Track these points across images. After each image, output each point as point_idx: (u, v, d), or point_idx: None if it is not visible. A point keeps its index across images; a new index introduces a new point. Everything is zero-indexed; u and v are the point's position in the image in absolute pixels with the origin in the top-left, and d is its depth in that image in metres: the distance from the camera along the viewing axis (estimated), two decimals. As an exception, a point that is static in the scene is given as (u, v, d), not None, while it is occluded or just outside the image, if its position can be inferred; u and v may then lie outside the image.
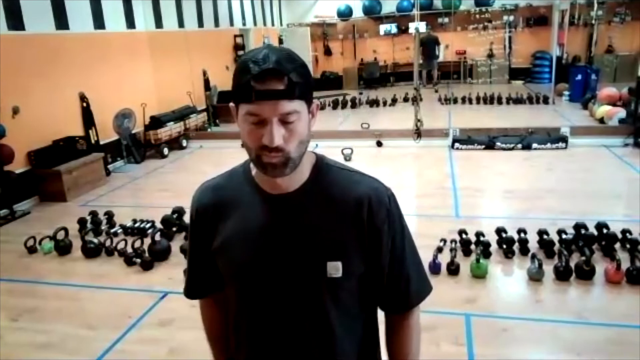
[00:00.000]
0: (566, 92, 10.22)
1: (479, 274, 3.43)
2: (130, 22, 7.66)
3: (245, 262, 1.01)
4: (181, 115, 8.26)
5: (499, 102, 10.20)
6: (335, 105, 11.09)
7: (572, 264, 3.37)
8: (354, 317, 1.06)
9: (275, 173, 0.93)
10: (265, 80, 0.87)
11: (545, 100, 9.89)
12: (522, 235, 3.81)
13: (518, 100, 10.11)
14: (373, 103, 10.92)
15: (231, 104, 0.98)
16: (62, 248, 4.25)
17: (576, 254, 3.61)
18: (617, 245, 3.68)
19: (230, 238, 1.02)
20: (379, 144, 7.46)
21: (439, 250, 3.69)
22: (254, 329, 1.05)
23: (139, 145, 7.56)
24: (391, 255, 1.02)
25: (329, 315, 1.00)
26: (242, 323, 1.07)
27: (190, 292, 1.18)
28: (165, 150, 7.65)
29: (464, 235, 3.91)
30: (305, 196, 0.99)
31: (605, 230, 3.77)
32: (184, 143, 8.13)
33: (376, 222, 0.99)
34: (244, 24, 11.57)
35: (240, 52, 11.25)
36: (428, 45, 12.55)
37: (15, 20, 5.54)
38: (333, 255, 0.97)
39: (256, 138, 0.91)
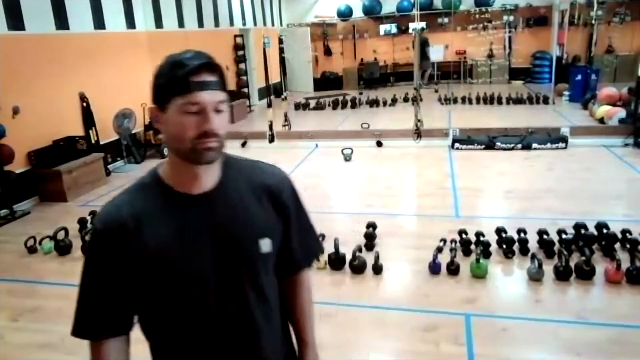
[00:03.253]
0: (566, 92, 10.21)
1: (479, 274, 3.43)
2: (130, 22, 7.66)
3: (184, 260, 1.05)
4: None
5: (499, 102, 10.19)
6: (335, 105, 11.09)
7: (572, 264, 3.37)
8: (273, 284, 1.18)
9: (210, 157, 1.03)
10: (200, 73, 0.98)
11: (545, 100, 9.89)
12: (522, 235, 3.81)
13: (518, 100, 10.11)
14: (373, 103, 10.92)
15: (153, 105, 1.03)
16: (62, 248, 4.25)
17: (576, 254, 3.61)
18: (617, 245, 3.68)
19: (159, 246, 1.03)
20: (379, 144, 7.46)
21: (439, 250, 3.69)
22: (202, 318, 1.08)
23: (139, 145, 7.56)
24: (295, 228, 1.20)
25: (264, 287, 1.13)
26: (178, 323, 1.09)
27: (95, 328, 1.08)
28: (165, 151, 7.63)
29: (464, 235, 3.91)
30: (224, 189, 1.09)
31: (605, 230, 3.77)
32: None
33: (288, 203, 1.17)
34: (244, 24, 11.57)
35: (240, 52, 11.26)
36: (420, 47, 12.53)
37: (15, 20, 5.54)
38: (262, 233, 1.10)
39: (194, 127, 0.98)
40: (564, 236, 3.77)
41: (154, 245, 1.03)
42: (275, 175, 1.18)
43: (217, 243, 1.07)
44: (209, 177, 1.08)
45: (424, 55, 12.54)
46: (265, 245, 1.10)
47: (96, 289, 1.08)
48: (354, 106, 11.00)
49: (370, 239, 4.03)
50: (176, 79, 0.97)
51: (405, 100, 10.84)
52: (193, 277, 1.06)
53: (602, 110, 7.92)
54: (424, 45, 12.45)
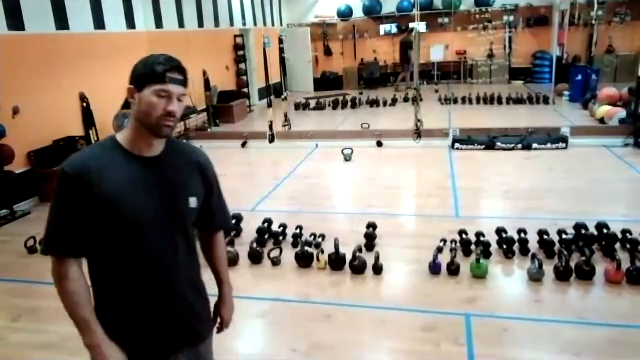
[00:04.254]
0: (566, 92, 10.22)
1: (479, 274, 3.43)
2: (130, 22, 7.66)
3: (136, 205, 1.36)
4: (181, 115, 8.25)
5: (499, 102, 10.20)
6: (335, 105, 11.09)
7: (572, 264, 3.37)
8: (195, 237, 1.58)
9: (166, 132, 1.38)
10: (173, 72, 1.35)
11: (545, 100, 9.89)
12: (522, 235, 3.81)
13: (518, 100, 10.11)
14: (373, 103, 10.92)
15: (130, 86, 1.36)
16: (62, 248, 4.24)
17: (576, 254, 3.61)
18: (617, 245, 3.68)
19: (117, 192, 1.34)
20: (379, 144, 7.46)
21: (439, 250, 3.69)
22: (143, 262, 1.40)
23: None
24: (216, 197, 1.61)
25: (189, 236, 1.51)
26: (128, 264, 1.40)
27: (60, 248, 1.37)
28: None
29: (464, 235, 3.91)
30: (167, 156, 1.45)
31: (605, 230, 3.77)
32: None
33: (211, 178, 1.57)
34: (244, 24, 11.57)
35: (240, 52, 11.26)
36: (404, 48, 12.56)
37: (15, 20, 5.54)
38: (191, 192, 1.48)
39: (161, 107, 1.34)
40: (564, 236, 3.78)
41: (110, 191, 1.33)
42: (203, 155, 1.58)
43: (159, 195, 1.40)
44: (158, 146, 1.43)
45: (406, 57, 12.53)
46: (193, 202, 1.47)
47: (62, 220, 1.36)
48: (354, 106, 11.00)
49: (370, 239, 4.03)
50: (156, 72, 1.33)
51: (405, 100, 10.84)
52: (139, 219, 1.37)
53: (602, 110, 7.92)
54: (407, 47, 12.43)
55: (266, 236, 4.22)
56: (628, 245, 3.59)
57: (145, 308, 1.44)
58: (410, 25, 12.69)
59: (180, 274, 1.48)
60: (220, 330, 1.71)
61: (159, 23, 8.38)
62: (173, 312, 1.48)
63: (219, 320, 1.69)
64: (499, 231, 3.91)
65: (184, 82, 1.39)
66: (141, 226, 1.38)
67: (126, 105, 1.56)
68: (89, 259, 1.43)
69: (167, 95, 1.35)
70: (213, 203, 1.60)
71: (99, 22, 6.92)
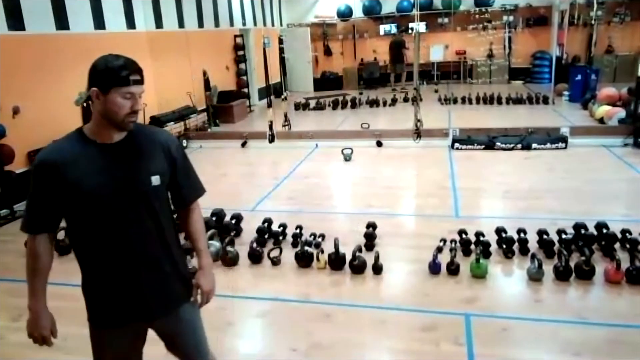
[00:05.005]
0: (566, 92, 10.22)
1: (478, 274, 3.43)
2: (130, 22, 7.66)
3: (101, 187, 1.53)
4: (181, 115, 8.27)
5: (499, 102, 10.20)
6: (335, 105, 11.09)
7: (572, 264, 3.37)
8: (166, 214, 1.70)
9: (131, 127, 1.56)
10: (135, 74, 1.51)
11: (545, 100, 9.90)
12: (522, 235, 3.81)
13: (518, 100, 10.12)
14: (373, 103, 10.92)
15: (94, 89, 1.49)
16: (62, 248, 4.24)
17: (576, 254, 3.62)
18: (617, 245, 3.69)
19: (84, 176, 1.51)
20: (379, 144, 7.46)
21: (439, 250, 3.70)
22: (111, 236, 1.58)
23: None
24: (182, 173, 1.72)
25: (158, 214, 1.64)
26: (99, 238, 1.59)
27: (33, 227, 1.58)
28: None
29: (463, 235, 3.92)
30: (129, 142, 1.60)
31: (605, 230, 3.77)
32: (184, 143, 8.12)
33: (174, 153, 1.69)
34: (244, 24, 11.57)
35: (241, 52, 11.26)
36: (394, 49, 12.54)
37: (15, 20, 5.54)
38: (154, 171, 1.61)
39: (127, 107, 1.51)
40: (563, 236, 3.78)
41: (75, 176, 1.51)
42: (165, 134, 1.73)
43: (120, 175, 1.56)
44: (120, 134, 1.59)
45: (398, 58, 12.51)
46: (156, 180, 1.61)
47: (35, 203, 1.57)
48: (354, 106, 11.01)
49: (370, 239, 4.03)
50: (120, 76, 1.48)
51: (405, 100, 10.84)
52: (100, 199, 1.54)
53: (602, 110, 7.92)
54: (399, 47, 12.42)
55: (266, 236, 4.23)
56: (628, 245, 3.59)
57: (118, 278, 1.63)
58: (411, 25, 12.70)
59: (149, 246, 1.64)
60: (201, 303, 1.79)
61: (159, 23, 8.38)
62: (154, 280, 1.66)
63: (199, 291, 1.77)
64: (499, 231, 3.91)
65: (142, 81, 1.55)
66: (102, 204, 1.55)
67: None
68: (71, 238, 1.67)
69: (132, 97, 1.52)
70: (179, 179, 1.72)
71: (99, 22, 6.92)
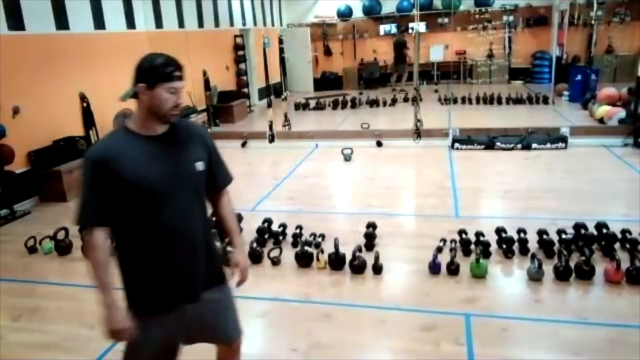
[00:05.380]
0: (566, 92, 10.22)
1: (478, 274, 3.43)
2: (130, 22, 7.66)
3: (153, 175, 1.63)
4: (181, 115, 8.24)
5: (499, 102, 10.20)
6: (335, 105, 11.09)
7: (572, 264, 3.37)
8: (204, 198, 1.84)
9: (175, 120, 1.69)
10: (178, 70, 1.63)
11: (545, 100, 9.90)
12: (522, 235, 3.81)
13: (518, 100, 10.12)
14: (373, 103, 10.92)
15: (141, 85, 1.61)
16: (63, 248, 4.25)
17: (576, 254, 3.62)
18: (617, 245, 3.68)
19: (136, 167, 1.61)
20: (379, 144, 7.46)
21: (439, 250, 3.69)
22: (162, 221, 1.66)
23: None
24: (215, 161, 1.87)
25: (201, 196, 1.79)
26: (151, 225, 1.66)
27: (89, 220, 1.66)
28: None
29: (463, 235, 3.91)
30: (172, 133, 1.72)
31: (605, 230, 3.77)
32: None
33: (209, 143, 1.84)
34: (244, 24, 11.57)
35: (241, 52, 11.26)
36: (396, 49, 12.55)
37: (15, 20, 5.54)
38: (197, 158, 1.74)
39: (171, 101, 1.63)
40: (563, 236, 3.78)
41: (130, 169, 1.59)
42: (199, 126, 1.94)
43: (171, 164, 1.67)
44: (164, 127, 1.70)
45: (401, 58, 12.51)
46: (200, 165, 1.74)
47: (91, 198, 1.63)
48: (354, 106, 11.01)
49: (370, 239, 4.03)
50: (165, 73, 1.60)
51: (405, 100, 10.84)
52: (158, 188, 1.63)
53: (602, 110, 7.92)
54: (401, 47, 12.42)
55: (266, 236, 4.23)
56: (628, 245, 3.59)
57: (171, 262, 1.70)
58: (410, 25, 12.70)
59: (197, 229, 1.76)
60: (240, 281, 1.92)
61: (159, 23, 8.38)
62: (197, 263, 1.76)
63: (237, 269, 1.90)
64: (499, 231, 3.91)
65: (183, 77, 1.67)
66: (155, 192, 1.63)
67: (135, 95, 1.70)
68: (115, 231, 1.70)
69: (175, 91, 1.63)
70: (213, 166, 1.85)
71: (99, 22, 6.92)
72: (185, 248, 1.72)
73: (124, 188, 1.60)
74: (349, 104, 11.09)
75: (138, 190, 1.62)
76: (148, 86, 1.60)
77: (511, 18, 12.84)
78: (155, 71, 1.59)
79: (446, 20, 13.41)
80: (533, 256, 3.46)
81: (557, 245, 3.70)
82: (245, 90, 11.39)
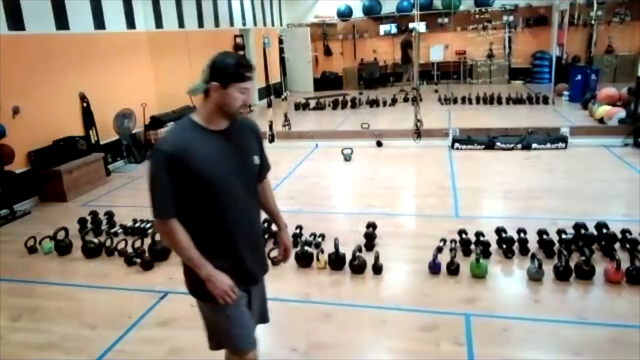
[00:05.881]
0: (566, 92, 10.22)
1: (478, 274, 3.43)
2: (130, 22, 7.66)
3: (221, 168, 1.73)
4: (181, 115, 8.20)
5: (499, 102, 10.20)
6: (335, 105, 11.09)
7: (572, 264, 3.37)
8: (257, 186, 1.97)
9: (239, 117, 1.79)
10: (249, 71, 1.72)
11: (545, 100, 9.90)
12: (522, 235, 3.81)
13: (518, 100, 10.11)
14: (373, 103, 10.92)
15: (215, 83, 1.68)
16: (63, 248, 4.25)
17: (576, 254, 3.62)
18: (617, 245, 3.68)
19: (205, 160, 1.69)
20: (379, 144, 7.46)
21: (439, 250, 3.69)
22: (228, 211, 1.76)
23: (139, 145, 7.56)
24: (263, 153, 1.96)
25: (256, 186, 1.93)
26: (218, 215, 1.75)
27: (166, 212, 1.70)
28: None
29: (463, 235, 3.91)
30: (233, 128, 1.80)
31: (605, 230, 3.77)
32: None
33: (260, 136, 1.95)
34: (244, 24, 11.57)
35: (241, 52, 11.25)
36: (403, 48, 12.57)
37: (15, 20, 5.54)
38: (253, 153, 1.87)
39: (241, 100, 1.72)
40: (563, 236, 3.78)
41: (200, 162, 1.67)
42: (250, 121, 1.96)
43: (235, 158, 1.77)
44: (226, 122, 1.78)
45: (407, 57, 12.51)
46: (256, 159, 1.87)
47: (165, 190, 1.68)
48: (354, 106, 11.00)
49: (370, 239, 4.03)
50: (238, 73, 1.68)
51: (405, 100, 10.84)
52: (226, 180, 1.74)
53: (602, 110, 7.92)
54: (408, 46, 12.42)
55: (266, 236, 4.22)
56: (628, 245, 3.59)
57: (237, 250, 1.81)
58: (410, 25, 12.70)
59: (255, 218, 1.93)
60: (285, 257, 2.12)
61: (159, 23, 8.38)
62: (256, 250, 1.91)
63: (283, 248, 2.10)
64: (499, 231, 3.91)
65: (254, 77, 1.76)
66: (223, 184, 1.73)
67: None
68: (185, 220, 1.74)
69: (246, 91, 1.72)
70: (261, 158, 1.94)
71: (99, 22, 6.92)
72: (247, 237, 1.84)
73: (194, 181, 1.67)
74: (349, 104, 11.09)
75: (207, 184, 1.69)
76: (221, 85, 1.67)
77: (511, 18, 12.84)
78: (230, 71, 1.67)
79: (446, 20, 13.41)
80: (533, 256, 3.46)
81: (557, 245, 3.70)
82: (245, 90, 11.38)
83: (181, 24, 9.06)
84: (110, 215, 4.81)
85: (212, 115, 1.74)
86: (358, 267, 3.61)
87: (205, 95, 1.73)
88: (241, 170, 1.79)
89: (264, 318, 2.11)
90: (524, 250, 3.72)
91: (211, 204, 1.74)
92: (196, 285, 1.80)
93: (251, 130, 1.90)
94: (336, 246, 3.69)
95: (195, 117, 1.76)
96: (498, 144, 6.88)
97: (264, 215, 2.07)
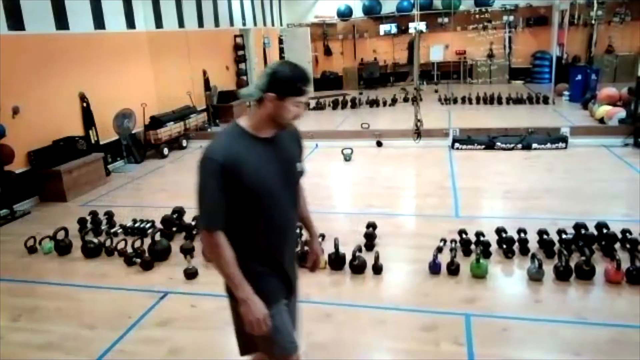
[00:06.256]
0: (566, 92, 10.22)
1: (479, 274, 3.43)
2: (130, 22, 7.66)
3: (271, 177, 1.69)
4: (181, 115, 8.26)
5: (499, 102, 10.20)
6: (335, 105, 11.09)
7: (572, 264, 3.37)
8: None
9: (290, 126, 1.78)
10: (308, 86, 1.69)
11: (545, 100, 9.90)
12: (522, 235, 3.80)
13: (518, 100, 10.11)
14: (373, 103, 10.92)
15: (272, 94, 1.63)
16: (62, 248, 4.25)
17: (576, 254, 3.61)
18: (617, 245, 3.68)
19: (257, 169, 1.65)
20: (379, 144, 7.46)
21: (439, 250, 3.69)
22: (275, 220, 1.74)
23: (139, 145, 7.56)
24: (302, 158, 1.91)
25: (297, 194, 1.89)
26: (264, 224, 1.72)
27: (215, 224, 1.65)
28: (165, 150, 7.65)
29: (464, 235, 3.91)
30: (278, 136, 1.75)
31: (605, 230, 3.77)
32: (184, 143, 8.13)
33: (302, 143, 1.91)
34: (244, 24, 11.57)
35: (241, 52, 11.26)
36: (410, 48, 12.58)
37: (15, 20, 5.54)
38: (298, 160, 1.85)
39: (294, 113, 1.68)
40: (564, 236, 3.77)
41: (253, 174, 1.63)
42: (297, 129, 1.90)
43: (281, 167, 1.74)
44: (275, 130, 1.74)
45: (413, 57, 12.53)
46: (300, 166, 1.84)
47: (214, 200, 1.63)
48: (354, 106, 11.00)
49: (370, 239, 4.03)
50: (299, 88, 1.65)
51: (405, 100, 10.84)
52: (275, 189, 1.71)
53: (602, 110, 7.92)
54: (414, 46, 12.43)
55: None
56: (628, 245, 3.58)
57: (281, 259, 1.80)
58: (410, 25, 12.70)
59: (295, 226, 1.92)
60: (315, 266, 2.09)
61: (159, 23, 8.38)
62: (293, 259, 1.92)
63: (313, 257, 2.07)
64: (499, 231, 3.91)
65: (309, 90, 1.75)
66: (274, 195, 1.71)
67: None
68: (231, 228, 1.69)
69: (301, 105, 1.70)
70: (302, 163, 1.93)
71: (99, 22, 6.92)
72: (289, 246, 1.85)
73: (243, 191, 1.63)
74: (349, 104, 11.09)
75: (256, 194, 1.66)
76: (278, 96, 1.63)
77: (511, 18, 12.84)
78: (290, 85, 1.63)
79: (446, 20, 13.41)
80: (533, 256, 3.46)
81: (557, 245, 3.70)
82: (245, 90, 11.37)
83: (181, 24, 9.06)
84: (110, 215, 4.81)
85: (262, 123, 1.70)
86: (358, 267, 3.61)
87: (257, 102, 1.68)
88: (286, 179, 1.76)
89: (294, 324, 2.04)
90: (524, 250, 3.72)
91: (258, 213, 1.70)
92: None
93: (295, 136, 1.87)
94: (336, 246, 3.68)
95: (243, 124, 1.71)
96: (498, 144, 6.88)
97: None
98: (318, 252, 2.10)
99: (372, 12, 13.88)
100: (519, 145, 6.80)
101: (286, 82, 1.63)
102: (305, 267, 2.07)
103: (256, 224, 1.71)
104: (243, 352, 1.97)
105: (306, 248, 3.77)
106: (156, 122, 7.66)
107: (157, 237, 4.13)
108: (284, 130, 1.77)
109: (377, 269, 3.59)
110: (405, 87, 12.37)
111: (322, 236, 4.12)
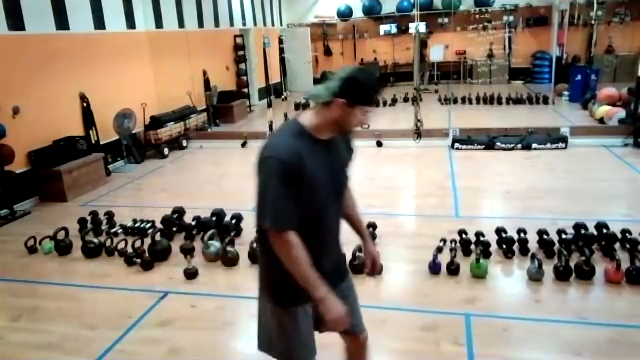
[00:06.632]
0: (566, 92, 10.22)
1: (478, 274, 3.43)
2: (130, 22, 7.66)
3: (328, 179, 1.69)
4: (181, 115, 8.26)
5: (499, 102, 10.19)
6: (335, 105, 11.06)
7: (572, 264, 3.37)
8: None
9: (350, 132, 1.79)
10: (378, 95, 1.73)
11: (545, 100, 9.90)
12: (522, 235, 3.81)
13: (518, 100, 10.11)
14: (373, 103, 10.90)
15: (342, 100, 1.60)
16: (63, 248, 4.25)
17: (576, 254, 3.62)
18: (617, 245, 3.68)
19: (317, 171, 1.64)
20: (379, 144, 7.46)
21: (439, 250, 3.69)
22: (323, 221, 1.75)
23: (139, 145, 7.56)
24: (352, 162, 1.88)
25: (343, 198, 1.87)
26: (313, 224, 1.69)
27: (285, 223, 1.61)
28: (166, 150, 7.65)
29: (463, 235, 3.91)
30: (335, 138, 1.73)
31: (605, 230, 3.77)
32: (184, 143, 8.13)
33: (353, 147, 1.87)
34: (244, 24, 11.57)
35: (241, 52, 11.26)
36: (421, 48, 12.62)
37: (15, 20, 5.54)
38: (348, 164, 1.84)
39: (360, 120, 1.66)
40: (563, 236, 3.78)
41: (312, 172, 1.61)
42: (351, 133, 1.86)
43: (335, 170, 1.74)
44: (334, 133, 1.72)
45: (422, 57, 12.53)
46: (347, 171, 1.83)
47: (282, 199, 1.59)
48: (353, 106, 10.97)
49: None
50: (369, 97, 1.64)
51: (405, 100, 10.84)
52: (330, 191, 1.72)
53: (602, 110, 7.92)
54: (422, 46, 12.44)
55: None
56: (628, 245, 3.58)
57: (322, 264, 1.73)
58: (410, 25, 12.70)
59: (339, 226, 1.89)
60: (374, 270, 2.13)
61: (159, 23, 8.38)
62: (338, 256, 1.94)
63: (371, 260, 2.11)
64: (499, 231, 3.91)
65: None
66: (326, 194, 1.71)
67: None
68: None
69: (367, 114, 1.67)
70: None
71: (99, 22, 6.92)
72: (334, 244, 1.87)
73: (301, 192, 1.61)
74: (349, 104, 11.06)
75: (311, 195, 1.64)
76: (349, 102, 1.60)
77: (511, 18, 12.83)
78: (362, 93, 1.61)
79: (446, 20, 13.40)
80: (533, 256, 3.46)
81: (557, 245, 3.70)
82: (245, 90, 11.38)
83: (181, 24, 9.06)
84: (110, 215, 4.81)
85: (326, 126, 1.66)
86: (358, 267, 3.60)
87: (324, 104, 1.63)
88: (337, 182, 1.76)
89: (351, 321, 1.93)
90: (524, 250, 3.72)
91: (309, 215, 1.66)
92: (276, 289, 1.78)
93: (347, 141, 1.84)
94: (336, 246, 3.68)
95: (304, 122, 1.67)
96: (498, 144, 6.88)
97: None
98: (375, 254, 2.08)
99: (372, 12, 13.88)
100: (519, 145, 6.80)
101: (360, 90, 1.60)
102: (366, 274, 2.04)
103: (303, 226, 1.65)
104: (262, 348, 1.95)
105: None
106: (156, 122, 7.66)
107: (157, 237, 4.13)
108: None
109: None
110: (419, 86, 12.39)
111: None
